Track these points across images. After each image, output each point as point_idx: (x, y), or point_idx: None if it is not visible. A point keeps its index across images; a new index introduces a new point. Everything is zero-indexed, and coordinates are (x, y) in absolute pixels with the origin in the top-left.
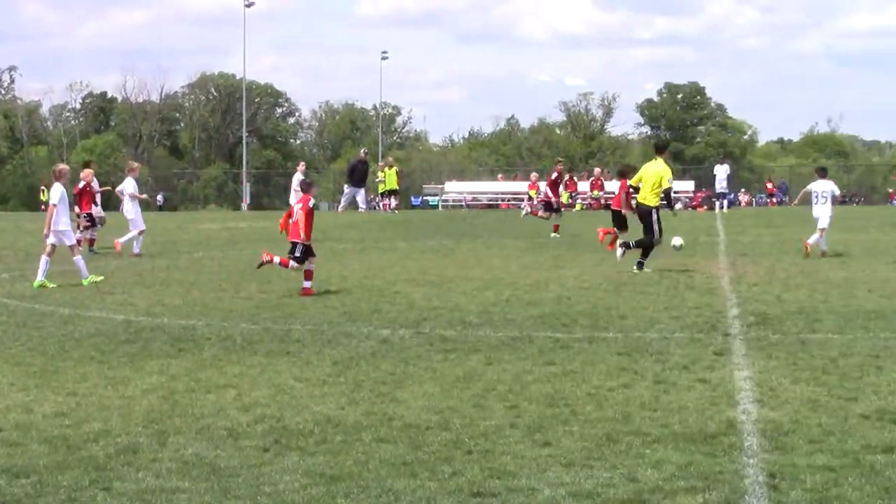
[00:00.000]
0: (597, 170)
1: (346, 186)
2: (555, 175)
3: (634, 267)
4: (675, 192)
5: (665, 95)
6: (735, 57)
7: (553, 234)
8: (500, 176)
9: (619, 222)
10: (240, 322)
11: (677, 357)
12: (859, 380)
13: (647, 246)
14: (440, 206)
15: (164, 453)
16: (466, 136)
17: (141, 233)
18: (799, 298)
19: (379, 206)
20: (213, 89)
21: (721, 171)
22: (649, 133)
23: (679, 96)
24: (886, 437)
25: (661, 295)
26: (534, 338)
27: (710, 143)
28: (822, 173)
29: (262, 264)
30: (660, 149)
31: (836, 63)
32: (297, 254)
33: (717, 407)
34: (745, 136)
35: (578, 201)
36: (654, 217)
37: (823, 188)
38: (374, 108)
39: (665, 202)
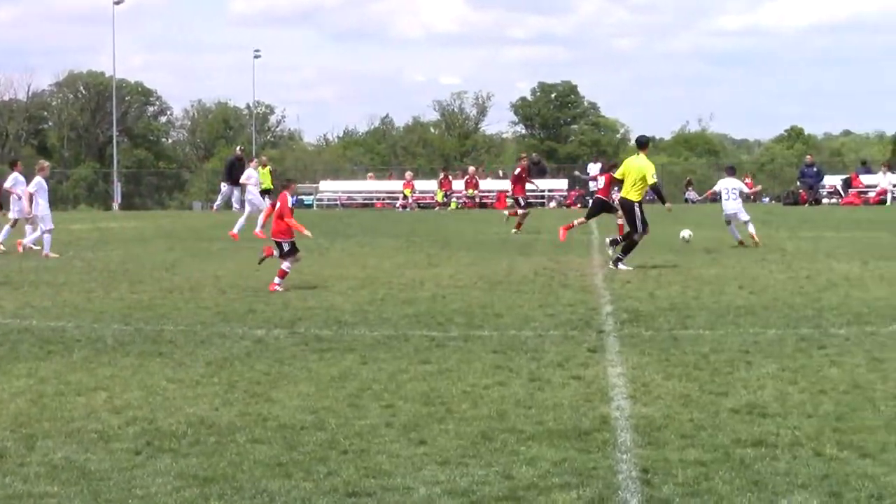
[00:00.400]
0: (471, 168)
1: (223, 185)
2: (518, 170)
3: (611, 264)
4: (550, 191)
5: (539, 94)
6: (607, 56)
7: (514, 231)
8: (369, 175)
9: (605, 209)
10: (111, 323)
11: (552, 354)
12: (730, 375)
13: (631, 243)
14: (315, 206)
15: (32, 458)
16: (341, 135)
17: (48, 231)
18: (671, 295)
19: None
20: (81, 87)
21: (594, 170)
22: (523, 132)
23: (553, 95)
24: (756, 431)
25: (535, 293)
26: (409, 336)
27: (583, 142)
28: (731, 171)
29: (263, 259)
30: (642, 145)
31: (707, 62)
32: (284, 249)
33: (591, 403)
34: (618, 135)
35: (454, 200)
36: (638, 211)
37: (733, 185)
38: (248, 106)
39: (657, 197)
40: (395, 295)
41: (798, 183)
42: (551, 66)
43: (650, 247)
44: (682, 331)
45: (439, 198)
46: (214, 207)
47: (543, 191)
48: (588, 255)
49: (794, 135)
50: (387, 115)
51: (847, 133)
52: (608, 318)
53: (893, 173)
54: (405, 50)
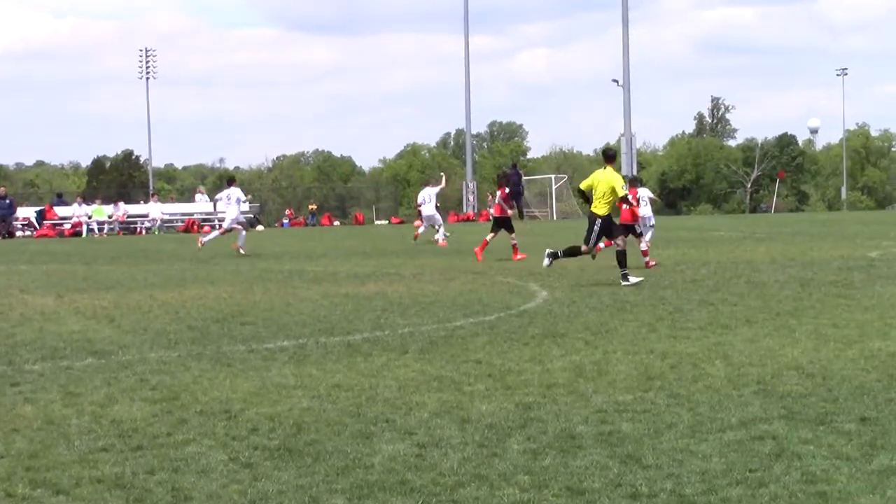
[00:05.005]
0: None
1: None
2: None
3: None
4: None
5: None
6: None
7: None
8: None
9: (505, 226)
10: None
11: None
12: None
13: (576, 252)
14: None
15: None
16: None
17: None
18: None
19: None
20: None
21: None
22: None
23: None
24: None
25: None
26: None
27: None
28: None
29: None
30: (609, 158)
31: None
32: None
33: None
34: None
35: None
36: (598, 227)
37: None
38: None
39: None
40: None
41: None
42: None
43: None
44: None
45: None
46: None
47: None
48: None
49: None
50: None
51: (41, 164)
52: None
53: (89, 205)
54: None
